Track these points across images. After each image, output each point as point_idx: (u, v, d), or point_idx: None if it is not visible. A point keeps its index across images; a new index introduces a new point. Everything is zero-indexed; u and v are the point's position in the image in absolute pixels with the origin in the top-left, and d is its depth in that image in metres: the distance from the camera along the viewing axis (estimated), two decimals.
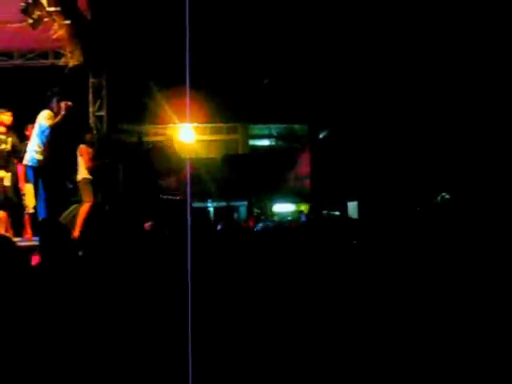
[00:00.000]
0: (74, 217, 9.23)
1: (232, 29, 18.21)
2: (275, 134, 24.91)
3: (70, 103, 8.42)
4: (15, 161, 9.27)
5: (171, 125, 20.32)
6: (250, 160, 21.97)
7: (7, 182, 8.99)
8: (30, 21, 8.87)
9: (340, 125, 20.92)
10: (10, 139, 9.01)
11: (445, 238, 5.71)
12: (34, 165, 8.23)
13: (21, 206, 9.52)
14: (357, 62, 18.39)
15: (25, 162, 8.48)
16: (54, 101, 8.39)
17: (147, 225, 7.25)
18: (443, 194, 15.06)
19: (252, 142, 24.46)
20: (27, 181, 9.32)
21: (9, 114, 9.10)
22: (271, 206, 22.33)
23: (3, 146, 8.93)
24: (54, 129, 8.23)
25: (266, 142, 25.08)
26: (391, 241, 5.87)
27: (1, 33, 10.20)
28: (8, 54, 11.70)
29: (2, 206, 8.94)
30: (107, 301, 3.96)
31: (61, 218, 9.10)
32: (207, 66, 17.14)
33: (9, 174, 9.10)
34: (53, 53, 11.48)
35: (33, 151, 8.25)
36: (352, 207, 18.00)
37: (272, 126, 24.61)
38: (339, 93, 19.52)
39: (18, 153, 9.14)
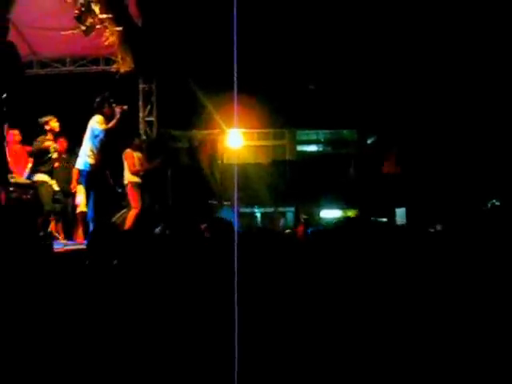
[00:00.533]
0: (124, 221, 9.33)
1: (280, 34, 18.23)
2: (323, 140, 24.81)
3: (125, 107, 8.51)
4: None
5: (219, 130, 20.46)
6: (298, 166, 21.91)
7: (57, 187, 9.19)
8: (83, 28, 9.02)
9: (389, 130, 20.72)
10: (57, 147, 9.23)
11: (497, 246, 5.57)
12: (87, 169, 8.31)
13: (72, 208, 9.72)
14: (406, 66, 18.21)
15: (77, 166, 8.57)
16: (106, 105, 8.46)
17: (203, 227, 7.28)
18: (493, 200, 14.79)
19: (300, 148, 24.40)
20: (79, 182, 9.51)
21: (56, 120, 9.27)
22: (318, 212, 22.21)
23: (55, 155, 9.11)
24: (108, 133, 8.31)
25: (313, 148, 24.99)
26: (441, 248, 5.77)
27: (55, 40, 10.41)
28: (61, 61, 11.94)
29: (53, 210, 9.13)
30: (160, 301, 3.99)
31: (111, 222, 9.24)
32: (255, 71, 17.19)
33: (54, 181, 9.27)
34: (104, 59, 11.69)
35: (85, 155, 8.33)
36: (400, 213, 17.79)
37: (320, 131, 24.52)
38: (388, 98, 19.36)
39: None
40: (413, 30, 17.18)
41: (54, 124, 9.21)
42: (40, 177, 8.88)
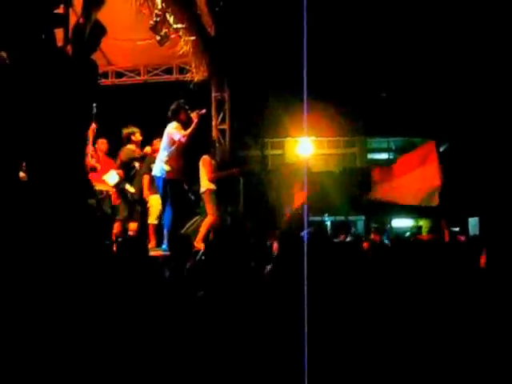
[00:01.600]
0: (197, 228, 9.38)
1: (351, 42, 18.12)
2: (394, 148, 24.51)
3: (203, 110, 8.61)
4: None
5: (289, 138, 20.48)
6: (369, 174, 21.66)
7: (136, 196, 9.37)
8: (158, 38, 9.14)
9: (461, 138, 20.28)
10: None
11: None
12: (163, 176, 8.41)
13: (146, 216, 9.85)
14: (478, 74, 17.82)
15: (154, 172, 8.68)
16: (182, 112, 8.58)
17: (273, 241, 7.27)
18: None
19: (370, 156, 24.20)
20: (153, 192, 9.64)
21: (140, 132, 9.54)
22: (390, 221, 21.91)
23: (137, 164, 9.36)
24: (188, 138, 8.44)
25: (384, 156, 24.72)
26: None
27: (131, 50, 10.62)
28: (135, 71, 12.18)
29: (132, 216, 9.33)
30: (232, 311, 3.97)
31: (184, 230, 9.31)
32: (326, 79, 17.12)
33: (133, 189, 9.47)
34: (177, 68, 11.85)
35: (162, 162, 8.44)
36: (473, 223, 17.39)
37: (391, 139, 24.24)
38: (460, 105, 18.97)
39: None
40: (488, 36, 16.81)
41: (139, 137, 9.51)
42: (125, 185, 9.20)
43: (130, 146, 9.63)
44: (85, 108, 4.84)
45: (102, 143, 9.47)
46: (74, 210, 4.42)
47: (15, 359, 3.30)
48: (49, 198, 4.27)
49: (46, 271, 3.80)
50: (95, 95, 5.09)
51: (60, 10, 5.12)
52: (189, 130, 8.41)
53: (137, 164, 9.62)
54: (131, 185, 9.51)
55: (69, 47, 4.92)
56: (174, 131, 8.47)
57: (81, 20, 4.86)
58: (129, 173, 9.49)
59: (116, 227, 9.30)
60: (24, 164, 4.52)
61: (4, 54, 4.29)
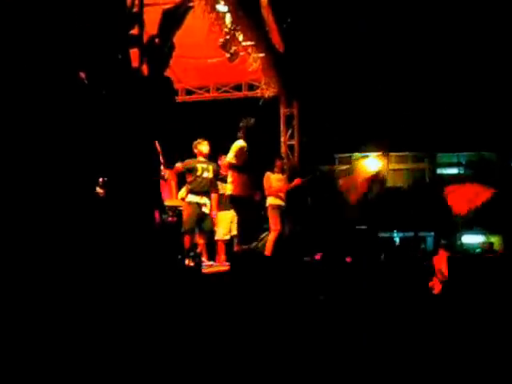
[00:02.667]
0: (265, 244, 9.40)
1: (421, 57, 17.96)
2: (464, 163, 24.05)
3: (251, 120, 8.66)
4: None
5: (357, 154, 20.35)
6: (438, 189, 21.32)
7: (207, 210, 9.37)
8: (228, 55, 9.25)
9: None
10: (211, 167, 9.40)
11: None
12: (231, 193, 8.46)
13: (213, 233, 9.90)
14: None
15: (222, 190, 8.75)
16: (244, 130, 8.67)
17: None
18: None
19: (440, 171, 23.80)
20: (222, 208, 9.70)
21: (205, 143, 9.53)
22: (460, 237, 21.45)
23: (206, 174, 9.33)
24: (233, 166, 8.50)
25: (454, 171, 24.27)
26: None
27: (201, 68, 10.80)
28: (205, 88, 12.36)
29: (191, 232, 9.33)
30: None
31: (253, 246, 9.34)
32: (395, 94, 17.00)
33: (209, 202, 9.48)
34: (246, 85, 11.98)
35: (230, 180, 8.50)
36: None
37: (460, 153, 23.80)
38: None
39: (219, 180, 9.61)
40: None
41: (200, 147, 9.47)
42: (190, 197, 9.16)
43: (192, 158, 9.62)
44: (161, 125, 4.93)
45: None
46: (150, 226, 4.50)
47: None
48: (126, 214, 4.36)
49: (123, 286, 3.87)
50: (172, 112, 5.18)
51: (134, 31, 5.23)
52: (235, 161, 8.42)
53: (206, 174, 9.57)
54: None
55: (144, 67, 5.03)
56: (230, 151, 8.55)
57: (156, 40, 4.96)
58: (191, 182, 9.48)
59: (186, 241, 9.38)
60: (101, 180, 4.64)
61: (83, 75, 4.41)
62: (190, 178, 9.18)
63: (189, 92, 12.45)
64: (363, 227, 11.55)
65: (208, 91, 12.39)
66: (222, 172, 9.66)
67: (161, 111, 4.91)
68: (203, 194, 9.13)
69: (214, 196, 9.47)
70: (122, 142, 4.54)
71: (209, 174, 9.24)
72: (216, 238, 9.80)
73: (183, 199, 9.27)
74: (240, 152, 8.44)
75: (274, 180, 9.65)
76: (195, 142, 9.44)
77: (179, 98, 12.20)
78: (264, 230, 9.98)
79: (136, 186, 4.51)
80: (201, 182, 9.16)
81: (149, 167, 4.80)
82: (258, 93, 11.15)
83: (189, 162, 9.29)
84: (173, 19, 4.94)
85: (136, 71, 4.99)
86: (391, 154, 21.53)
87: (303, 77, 12.01)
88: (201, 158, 9.27)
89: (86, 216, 3.92)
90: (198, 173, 9.17)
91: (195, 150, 9.35)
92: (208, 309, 4.16)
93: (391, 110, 15.88)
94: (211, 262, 9.03)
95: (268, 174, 9.66)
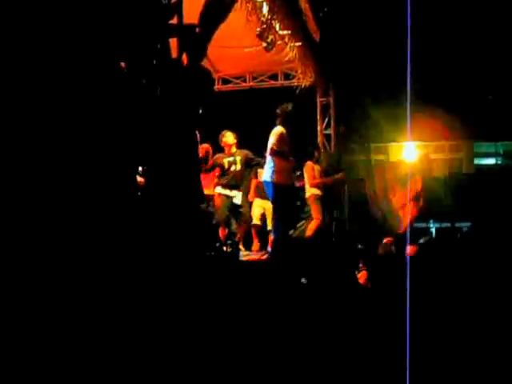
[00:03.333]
0: (303, 233, 9.41)
1: (457, 43, 17.71)
2: (502, 152, 23.68)
3: (289, 107, 8.61)
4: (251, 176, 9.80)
5: (394, 143, 20.18)
6: (476, 179, 21.04)
7: (238, 201, 9.43)
8: (264, 44, 9.24)
9: None
10: (238, 158, 9.43)
11: None
12: (272, 181, 8.40)
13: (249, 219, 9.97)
14: None
15: (264, 178, 8.69)
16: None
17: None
18: None
19: (477, 161, 23.47)
20: (257, 195, 9.75)
21: (230, 133, 9.55)
22: None
23: (233, 168, 9.39)
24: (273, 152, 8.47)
25: (492, 161, 23.91)
26: None
27: (237, 58, 10.81)
28: (242, 77, 12.37)
29: (224, 222, 9.38)
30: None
31: (290, 234, 9.36)
32: (431, 82, 16.80)
33: (240, 193, 9.52)
34: (283, 74, 11.96)
35: (269, 168, 8.43)
36: None
37: (499, 143, 23.44)
38: None
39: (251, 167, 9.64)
40: None
41: (225, 139, 9.54)
42: (218, 189, 9.29)
43: (221, 153, 9.67)
44: (200, 115, 4.97)
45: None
46: (189, 215, 4.54)
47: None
48: (166, 203, 4.41)
49: (163, 275, 3.93)
50: (210, 102, 5.22)
51: (174, 21, 5.27)
52: (277, 146, 8.38)
53: (234, 167, 9.58)
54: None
55: (184, 56, 5.07)
56: (271, 138, 8.48)
57: (197, 30, 5.00)
58: (220, 176, 9.52)
59: (221, 231, 9.46)
60: (142, 169, 4.70)
61: (123, 65, 4.47)
62: (218, 172, 9.31)
63: (225, 81, 12.46)
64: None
65: (245, 81, 12.40)
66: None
67: (200, 101, 4.95)
68: (232, 188, 9.23)
69: (253, 181, 9.57)
70: (162, 132, 4.59)
71: (236, 167, 9.31)
72: (253, 222, 9.89)
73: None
74: (281, 137, 8.37)
75: (316, 170, 9.65)
76: (220, 135, 9.53)
77: (216, 87, 12.25)
78: (301, 219, 9.99)
79: (175, 176, 4.56)
80: (228, 176, 9.27)
81: (188, 157, 4.85)
82: (295, 82, 11.12)
83: (215, 159, 9.41)
84: (217, 10, 4.96)
85: (175, 61, 5.04)
86: (428, 143, 21.28)
87: (340, 65, 11.91)
88: (227, 151, 9.37)
89: (128, 205, 3.98)
90: (225, 167, 9.29)
91: (221, 143, 9.46)
92: (241, 298, 4.19)
93: (428, 98, 15.66)
94: (248, 252, 9.09)
95: (310, 163, 9.64)
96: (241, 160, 9.42)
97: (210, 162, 9.34)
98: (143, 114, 4.42)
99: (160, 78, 4.75)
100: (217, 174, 9.53)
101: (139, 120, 4.39)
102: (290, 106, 8.58)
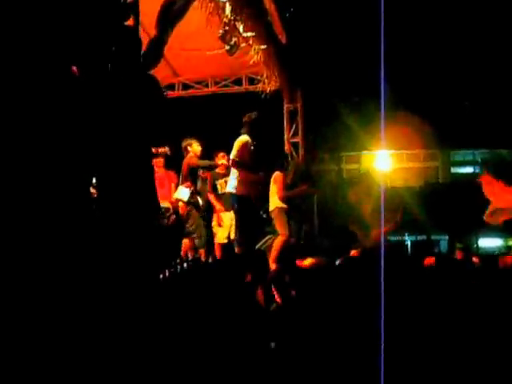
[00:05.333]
0: (268, 248, 9.43)
1: (430, 48, 17.98)
2: (480, 161, 24.07)
3: (254, 114, 8.69)
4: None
5: (366, 152, 20.39)
6: (453, 189, 21.31)
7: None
8: (227, 47, 9.27)
9: None
10: None
11: None
12: (236, 192, 8.45)
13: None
14: None
15: (227, 189, 8.75)
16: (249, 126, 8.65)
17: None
18: None
19: (454, 170, 23.82)
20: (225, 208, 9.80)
21: (198, 143, 9.69)
22: (476, 241, 21.43)
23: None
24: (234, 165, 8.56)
25: (469, 170, 24.29)
26: None
27: (198, 61, 10.85)
28: (204, 82, 12.42)
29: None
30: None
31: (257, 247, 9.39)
32: (404, 88, 17.02)
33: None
34: (247, 79, 12.04)
35: (233, 178, 8.51)
36: None
37: (476, 151, 23.81)
38: None
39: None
40: None
41: (196, 148, 9.63)
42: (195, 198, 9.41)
43: (191, 155, 9.71)
44: (154, 123, 4.98)
45: (157, 161, 9.47)
46: (145, 229, 4.55)
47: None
48: (119, 216, 4.41)
49: (112, 290, 3.93)
50: (164, 108, 5.24)
51: (129, 22, 5.29)
52: (237, 157, 8.47)
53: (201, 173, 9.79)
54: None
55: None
56: (233, 147, 8.54)
57: (155, 33, 5.03)
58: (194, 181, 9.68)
59: (184, 243, 9.50)
60: (94, 180, 4.70)
61: (75, 69, 4.47)
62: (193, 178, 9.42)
63: (186, 86, 12.49)
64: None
65: (207, 85, 12.44)
66: (219, 170, 9.76)
67: (152, 107, 4.96)
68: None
69: (211, 196, 9.64)
70: (116, 140, 4.59)
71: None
72: (216, 241, 9.88)
73: (178, 200, 9.39)
74: (243, 147, 8.41)
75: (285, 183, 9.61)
76: (186, 143, 9.55)
77: (175, 93, 12.27)
78: (265, 233, 10.01)
79: (129, 187, 4.57)
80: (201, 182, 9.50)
81: (142, 167, 4.86)
82: (260, 87, 11.15)
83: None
84: (173, 11, 4.99)
85: (135, 65, 5.05)
86: (402, 151, 21.55)
87: (307, 70, 12.00)
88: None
89: (80, 216, 3.98)
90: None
91: (190, 149, 9.49)
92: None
93: (402, 106, 15.85)
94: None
95: (280, 174, 9.56)
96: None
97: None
98: (95, 120, 4.43)
99: (115, 83, 4.76)
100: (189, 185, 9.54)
101: (91, 127, 4.39)
102: (254, 115, 8.62)
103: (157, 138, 5.83)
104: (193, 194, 9.42)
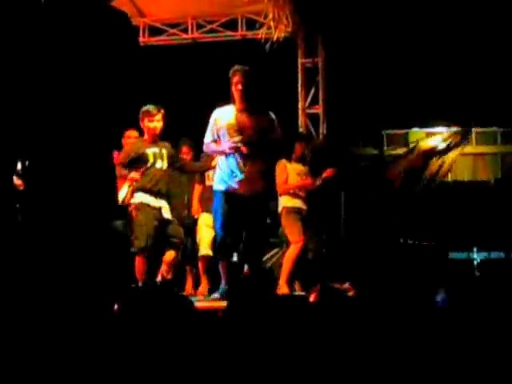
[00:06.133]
0: (279, 263, 9.48)
1: None
2: None
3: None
4: None
5: (416, 129, 20.37)
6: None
7: (167, 215, 9.25)
8: None
9: None
10: (165, 152, 9.08)
11: None
12: (224, 188, 8.32)
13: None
14: None
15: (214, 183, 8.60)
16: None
17: None
18: None
19: None
20: (203, 209, 9.79)
21: (160, 114, 9.20)
22: None
23: (159, 165, 8.95)
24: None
25: None
26: None
27: None
28: (180, 25, 12.38)
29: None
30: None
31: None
32: (471, 45, 17.09)
33: (167, 205, 9.32)
34: (244, 21, 12.00)
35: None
36: None
37: None
38: None
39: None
40: None
41: (150, 121, 9.03)
42: (140, 197, 8.81)
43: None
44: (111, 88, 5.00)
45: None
46: (89, 234, 4.56)
47: None
48: (52, 214, 4.41)
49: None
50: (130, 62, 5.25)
51: None
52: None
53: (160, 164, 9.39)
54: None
55: None
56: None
57: None
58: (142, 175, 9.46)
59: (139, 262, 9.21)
60: (20, 167, 4.69)
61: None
62: (136, 172, 8.85)
63: (155, 31, 12.50)
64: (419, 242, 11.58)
65: (185, 30, 12.43)
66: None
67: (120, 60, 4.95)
68: (158, 195, 8.84)
69: (197, 188, 9.58)
70: (52, 111, 4.60)
71: (163, 164, 8.92)
72: (200, 253, 9.89)
73: (124, 202, 9.08)
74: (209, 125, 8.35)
75: (291, 172, 9.63)
76: (143, 111, 9.00)
77: (141, 40, 12.29)
78: (272, 245, 10.02)
79: (71, 176, 4.57)
80: (154, 175, 8.83)
81: (92, 152, 4.86)
82: (263, 33, 11.11)
83: (131, 149, 8.97)
84: None
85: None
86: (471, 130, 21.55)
87: (333, 8, 11.87)
88: (150, 138, 8.91)
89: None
90: (150, 162, 8.84)
91: (143, 123, 8.94)
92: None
93: (467, 67, 15.85)
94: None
95: (283, 162, 9.58)
96: (167, 155, 9.07)
97: (125, 153, 9.02)
98: (23, 86, 4.45)
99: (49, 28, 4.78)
100: (135, 173, 9.14)
101: (17, 95, 4.41)
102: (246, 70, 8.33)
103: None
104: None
